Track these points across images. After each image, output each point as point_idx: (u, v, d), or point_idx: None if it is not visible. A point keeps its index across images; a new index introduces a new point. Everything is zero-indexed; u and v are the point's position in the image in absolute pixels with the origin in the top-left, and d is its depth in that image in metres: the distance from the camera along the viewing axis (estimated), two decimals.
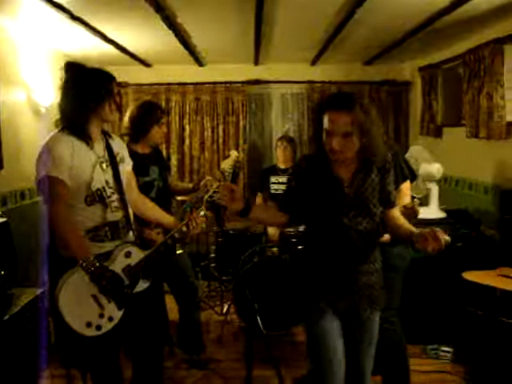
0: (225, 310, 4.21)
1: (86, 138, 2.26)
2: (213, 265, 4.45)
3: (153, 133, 3.18)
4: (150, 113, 3.17)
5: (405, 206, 2.53)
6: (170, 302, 3.53)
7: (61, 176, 2.14)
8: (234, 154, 3.25)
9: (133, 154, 2.97)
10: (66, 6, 3.17)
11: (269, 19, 3.62)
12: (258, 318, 1.99)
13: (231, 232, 4.24)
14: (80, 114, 2.24)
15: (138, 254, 2.33)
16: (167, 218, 2.68)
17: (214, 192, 2.53)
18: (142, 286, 2.37)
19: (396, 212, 2.22)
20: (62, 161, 2.15)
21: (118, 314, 2.26)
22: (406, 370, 2.99)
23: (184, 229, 2.48)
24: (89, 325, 2.18)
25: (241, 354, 3.60)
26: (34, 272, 3.39)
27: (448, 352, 3.51)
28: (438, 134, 5.14)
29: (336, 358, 2.11)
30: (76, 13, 3.35)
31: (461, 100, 4.62)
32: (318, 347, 2.13)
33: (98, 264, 2.15)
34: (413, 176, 2.97)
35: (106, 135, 2.42)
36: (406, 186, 2.87)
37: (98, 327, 2.20)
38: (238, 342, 3.84)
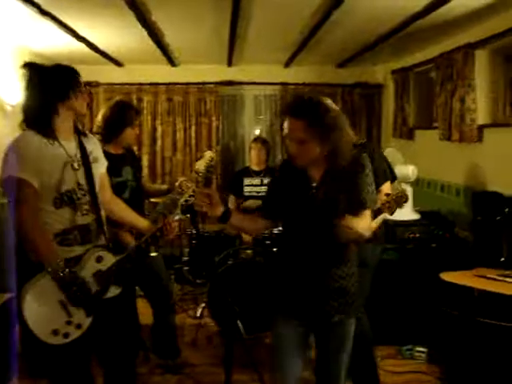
0: (199, 313, 4.14)
1: (53, 137, 2.16)
2: (186, 268, 4.37)
3: (126, 134, 3.11)
4: (123, 114, 3.10)
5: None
6: (143, 306, 3.45)
7: (28, 178, 2.05)
8: (208, 154, 3.20)
9: (105, 154, 2.88)
10: None
11: (244, 19, 3.60)
12: (239, 321, 1.94)
13: (205, 234, 4.19)
14: (44, 111, 2.14)
15: (109, 259, 2.24)
16: (141, 222, 2.60)
17: (190, 196, 2.46)
18: (114, 291, 2.29)
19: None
20: (29, 162, 2.06)
21: (86, 321, 2.18)
22: (373, 369, 3.02)
23: (158, 233, 2.40)
24: (55, 332, 2.09)
25: (216, 357, 3.53)
26: (0, 276, 3.26)
27: (423, 352, 3.52)
28: (410, 136, 5.21)
29: (283, 371, 2.10)
30: (45, 7, 3.25)
31: (433, 103, 4.70)
32: (273, 357, 2.13)
33: (67, 270, 2.07)
34: (393, 177, 2.98)
35: (79, 134, 2.32)
36: (386, 186, 2.88)
37: (66, 335, 2.11)
38: (212, 346, 3.78)
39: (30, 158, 2.06)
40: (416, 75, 5.16)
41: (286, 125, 2.00)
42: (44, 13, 3.30)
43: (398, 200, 2.48)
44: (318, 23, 3.69)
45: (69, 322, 2.12)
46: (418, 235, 3.77)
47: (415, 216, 3.99)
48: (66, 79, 2.19)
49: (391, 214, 2.50)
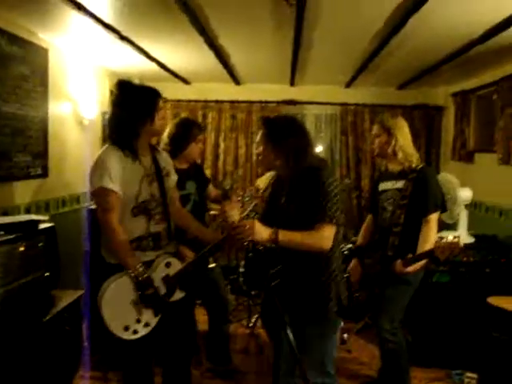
0: (252, 323, 4.29)
1: (134, 153, 2.39)
2: (241, 279, 4.54)
3: (190, 149, 3.31)
4: (187, 130, 3.30)
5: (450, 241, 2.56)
6: (200, 314, 3.65)
7: (115, 188, 2.28)
8: (270, 173, 3.35)
9: None
10: (115, 26, 3.38)
11: (305, 43, 3.75)
12: (289, 331, 2.07)
13: (261, 247, 4.33)
14: (129, 129, 2.37)
15: (176, 265, 2.46)
16: (205, 231, 2.79)
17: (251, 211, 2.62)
18: (178, 295, 2.49)
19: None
20: (116, 174, 2.28)
21: (153, 321, 2.39)
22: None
23: (221, 243, 2.51)
24: (126, 328, 2.32)
25: (266, 366, 3.67)
26: (73, 275, 3.56)
27: (473, 378, 3.49)
28: (469, 159, 5.16)
29: None
30: (124, 33, 3.55)
31: (493, 126, 4.65)
32: None
33: (146, 275, 2.30)
34: (443, 208, 2.99)
35: (153, 150, 2.56)
36: (435, 217, 2.88)
37: (135, 331, 2.33)
38: (263, 356, 3.92)
39: (116, 171, 2.29)
40: (477, 98, 5.12)
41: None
42: (123, 38, 3.61)
43: (453, 247, 2.52)
44: (377, 48, 3.79)
45: (138, 320, 2.34)
46: (471, 259, 3.75)
47: (470, 239, 3.97)
48: (152, 101, 2.42)
49: (442, 260, 2.56)
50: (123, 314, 2.31)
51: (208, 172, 5.85)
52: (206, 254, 2.54)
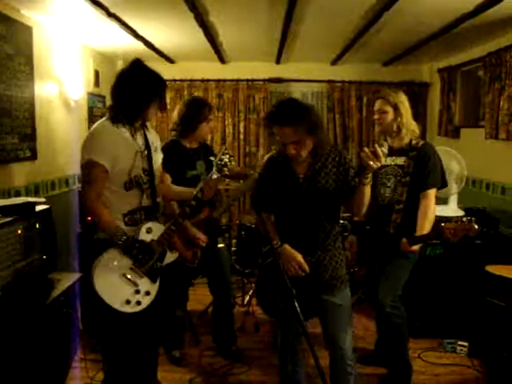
0: (246, 301, 4.33)
1: (132, 130, 2.45)
2: (234, 257, 4.56)
3: (200, 129, 3.29)
4: (198, 111, 3.27)
5: (462, 222, 2.58)
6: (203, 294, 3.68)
7: (101, 161, 2.30)
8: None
9: (181, 149, 3.21)
10: (103, 2, 3.29)
11: (297, 18, 3.71)
12: (296, 304, 2.09)
13: (253, 226, 4.35)
14: (134, 110, 2.41)
15: (159, 229, 2.46)
16: (187, 190, 2.75)
17: (223, 154, 2.63)
18: (172, 257, 2.53)
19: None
20: (105, 147, 2.32)
21: (153, 288, 2.44)
22: (406, 356, 3.12)
23: (199, 194, 2.54)
24: (128, 302, 2.35)
25: (263, 343, 3.73)
26: (65, 258, 3.53)
27: (464, 346, 3.59)
28: (455, 134, 5.23)
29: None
30: (112, 9, 3.46)
31: (479, 102, 4.70)
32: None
33: (125, 236, 2.33)
34: (443, 184, 3.02)
35: (143, 126, 2.58)
36: (433, 192, 2.93)
37: (138, 302, 2.37)
38: (259, 333, 3.96)
39: (107, 145, 2.33)
40: (463, 74, 5.17)
41: (276, 132, 2.33)
42: (111, 14, 3.51)
43: (467, 228, 2.53)
44: (367, 24, 3.78)
45: (137, 291, 2.37)
46: None
47: (460, 213, 4.04)
48: (161, 87, 2.50)
49: (452, 241, 2.58)
50: (119, 289, 2.34)
51: None
52: (186, 210, 2.51)
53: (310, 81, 5.83)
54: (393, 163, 3.02)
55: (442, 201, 4.04)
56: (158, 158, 2.63)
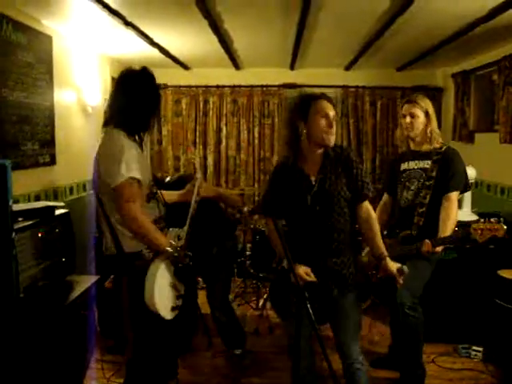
0: (260, 304, 4.36)
1: (142, 143, 2.45)
2: (248, 261, 4.60)
3: None
4: None
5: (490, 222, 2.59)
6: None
7: (137, 176, 2.26)
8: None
9: None
10: (120, 11, 3.37)
11: (310, 25, 3.75)
12: (309, 307, 2.11)
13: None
14: (146, 121, 2.42)
15: (182, 234, 2.51)
16: (173, 193, 2.80)
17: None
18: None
19: (365, 206, 2.44)
20: (137, 162, 2.28)
21: (182, 289, 2.52)
22: (421, 359, 3.12)
23: (195, 190, 2.63)
24: (173, 309, 2.43)
25: (277, 346, 3.75)
26: (81, 261, 3.60)
27: (479, 351, 3.58)
28: (470, 139, 5.21)
29: None
30: (129, 18, 3.55)
31: (493, 106, 4.69)
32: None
33: (178, 249, 2.37)
34: (465, 187, 3.04)
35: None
36: (455, 195, 2.94)
37: (178, 307, 2.46)
38: (273, 336, 3.99)
39: (135, 159, 2.28)
40: (477, 78, 5.16)
41: (323, 107, 2.35)
42: (128, 23, 3.60)
43: (496, 228, 2.54)
44: (381, 29, 3.81)
45: (178, 297, 2.46)
46: None
47: (473, 217, 4.03)
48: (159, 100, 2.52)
49: (480, 242, 2.58)
50: (169, 298, 2.41)
51: (211, 157, 5.89)
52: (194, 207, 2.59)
53: (324, 86, 5.80)
54: (416, 167, 3.05)
55: None
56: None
